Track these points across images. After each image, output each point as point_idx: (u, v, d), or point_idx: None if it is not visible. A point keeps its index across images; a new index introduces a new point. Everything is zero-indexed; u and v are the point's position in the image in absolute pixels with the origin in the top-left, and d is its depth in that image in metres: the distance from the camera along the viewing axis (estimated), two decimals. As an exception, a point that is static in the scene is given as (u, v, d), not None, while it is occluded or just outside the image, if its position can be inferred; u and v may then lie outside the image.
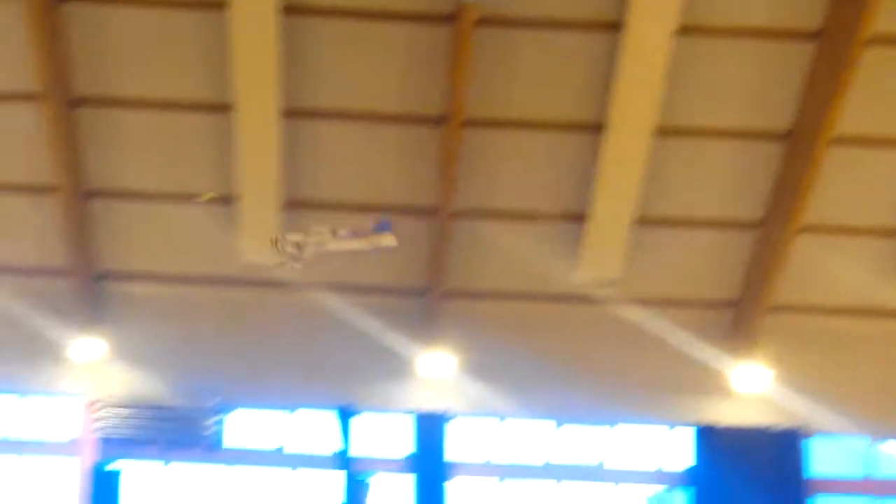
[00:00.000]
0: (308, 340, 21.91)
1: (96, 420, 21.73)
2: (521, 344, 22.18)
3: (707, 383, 22.11)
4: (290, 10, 19.86)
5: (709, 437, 22.05)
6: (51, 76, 20.01)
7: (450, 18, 19.78)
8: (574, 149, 21.03)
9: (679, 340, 21.86)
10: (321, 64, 20.48)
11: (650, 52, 19.73)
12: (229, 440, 21.97)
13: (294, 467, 22.15)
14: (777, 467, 21.95)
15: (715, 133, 20.95)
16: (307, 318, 21.88)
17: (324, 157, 21.25)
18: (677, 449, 22.38)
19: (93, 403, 21.84)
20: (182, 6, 20.05)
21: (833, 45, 19.80)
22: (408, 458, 21.98)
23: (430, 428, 21.97)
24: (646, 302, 21.98)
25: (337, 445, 21.58)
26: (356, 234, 16.99)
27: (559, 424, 22.42)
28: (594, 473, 22.36)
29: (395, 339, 21.85)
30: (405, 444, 22.07)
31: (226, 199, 21.29)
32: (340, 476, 21.44)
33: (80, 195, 21.30)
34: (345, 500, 21.34)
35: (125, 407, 21.76)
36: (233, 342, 22.04)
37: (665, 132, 20.69)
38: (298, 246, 17.02)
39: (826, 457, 22.36)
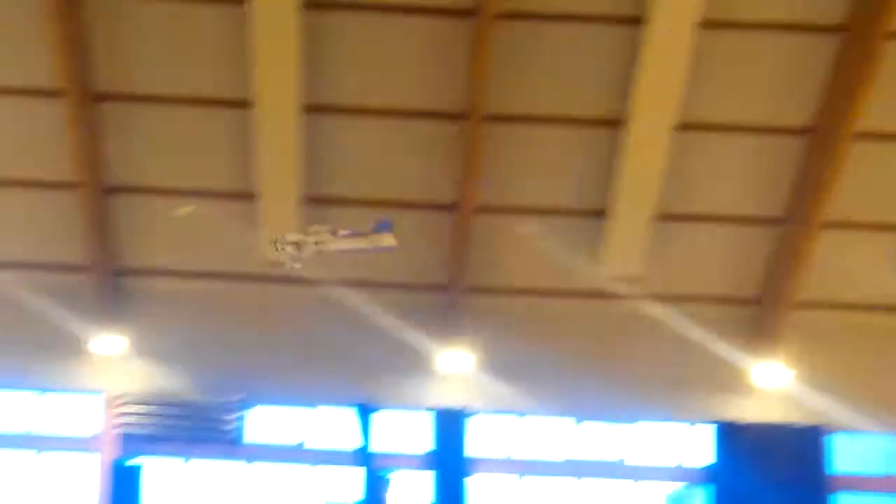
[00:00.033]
0: (328, 337, 21.87)
1: (117, 416, 21.75)
2: (542, 340, 22.12)
3: (728, 380, 22.03)
4: (310, 6, 19.87)
5: (729, 433, 21.97)
6: (72, 73, 20.05)
7: (470, 13, 19.75)
8: (595, 144, 20.99)
9: (700, 337, 21.77)
10: (341, 59, 20.48)
11: (672, 46, 19.68)
12: (250, 436, 21.97)
13: (314, 463, 22.15)
14: (798, 464, 21.86)
15: (737, 128, 20.89)
16: (328, 315, 21.84)
17: (344, 153, 21.24)
18: (698, 446, 22.30)
19: (113, 399, 21.86)
20: (203, 2, 20.06)
21: (856, 39, 19.73)
22: (428, 454, 21.95)
23: (450, 424, 21.94)
24: (667, 298, 21.89)
25: (357, 442, 21.53)
26: (356, 233, 17.00)
27: (579, 421, 22.36)
28: (614, 470, 22.30)
29: (415, 336, 21.81)
30: (425, 440, 22.02)
31: (246, 195, 21.28)
32: (360, 472, 21.38)
33: (101, 191, 21.33)
34: (365, 497, 21.30)
35: (146, 403, 21.78)
36: (253, 338, 22.04)
37: (687, 127, 20.63)
38: (297, 246, 17.03)
39: (847, 454, 22.25)
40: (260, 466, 22.11)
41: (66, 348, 21.84)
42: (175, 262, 22.13)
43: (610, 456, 22.35)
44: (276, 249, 17.30)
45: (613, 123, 20.72)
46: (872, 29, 19.41)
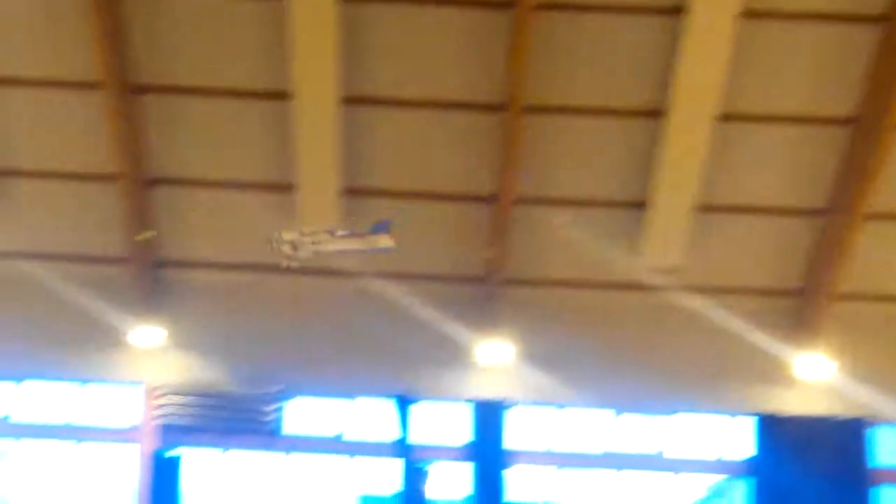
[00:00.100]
0: (367, 328, 21.86)
1: (156, 407, 21.85)
2: (581, 332, 22.04)
3: (770, 371, 21.87)
4: (348, -3, 19.85)
5: (770, 426, 21.83)
6: (112, 65, 20.10)
7: (509, 4, 19.64)
8: (635, 135, 20.86)
9: (741, 329, 21.61)
10: (379, 51, 20.42)
11: (713, 36, 19.51)
12: (288, 427, 22.01)
13: (353, 455, 22.17)
14: (840, 457, 21.70)
15: (778, 118, 20.71)
16: (366, 306, 21.83)
17: (382, 144, 21.21)
18: (738, 438, 22.16)
19: (153, 390, 21.95)
20: (242, -6, 20.12)
21: (899, 28, 19.51)
22: (466, 446, 21.92)
23: (489, 416, 21.90)
24: (708, 290, 21.74)
25: (396, 433, 21.54)
26: (354, 234, 16.99)
27: (619, 413, 22.27)
28: (654, 462, 22.20)
29: (454, 327, 21.76)
30: (464, 432, 22.00)
31: (285, 187, 21.29)
32: (399, 464, 21.41)
33: (141, 183, 21.39)
34: (403, 488, 21.32)
35: (185, 394, 21.86)
36: (292, 330, 22.06)
37: (728, 118, 20.46)
38: (293, 245, 17.01)
39: (890, 447, 22.06)
40: (298, 458, 22.16)
41: (106, 340, 21.93)
42: (214, 254, 22.18)
43: (649, 448, 22.25)
44: (272, 247, 17.30)
45: (653, 114, 20.56)
46: (915, 18, 19.21)
